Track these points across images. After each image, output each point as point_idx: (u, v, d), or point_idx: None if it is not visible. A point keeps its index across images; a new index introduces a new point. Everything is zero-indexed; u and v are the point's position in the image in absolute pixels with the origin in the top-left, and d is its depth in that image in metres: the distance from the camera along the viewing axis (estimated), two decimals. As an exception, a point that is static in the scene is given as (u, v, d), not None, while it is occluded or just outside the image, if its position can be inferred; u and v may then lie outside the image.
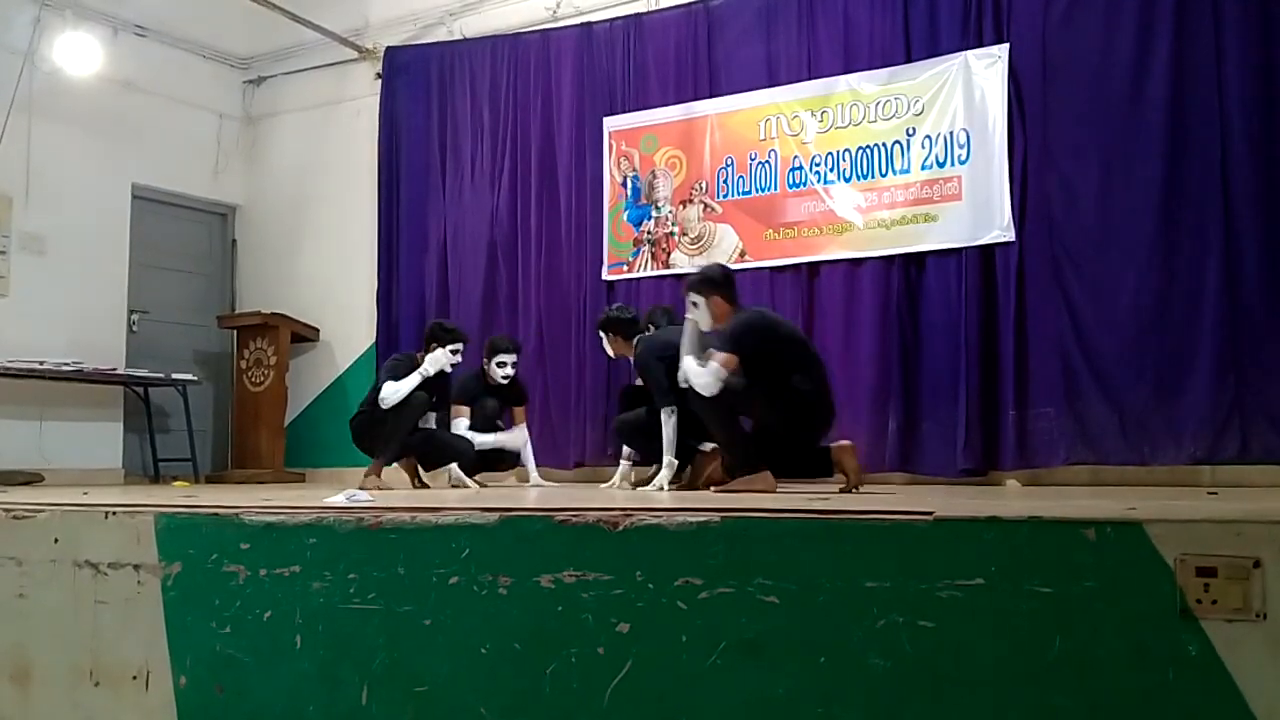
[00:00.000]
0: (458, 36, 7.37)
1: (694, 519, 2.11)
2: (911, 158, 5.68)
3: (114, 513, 2.88)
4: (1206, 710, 1.69)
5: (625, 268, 6.50)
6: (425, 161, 7.33)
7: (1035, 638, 1.80)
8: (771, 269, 6.02)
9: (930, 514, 1.94)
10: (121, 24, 7.39)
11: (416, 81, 7.39)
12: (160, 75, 7.62)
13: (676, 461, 4.64)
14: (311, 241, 7.97)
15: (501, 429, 5.83)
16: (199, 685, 2.63)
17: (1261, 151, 4.85)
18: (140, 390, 7.35)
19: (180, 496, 3.74)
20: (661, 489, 4.60)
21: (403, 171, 7.40)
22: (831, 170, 5.90)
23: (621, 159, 6.58)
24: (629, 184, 6.56)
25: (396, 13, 7.61)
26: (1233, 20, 4.94)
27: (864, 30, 5.89)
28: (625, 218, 6.56)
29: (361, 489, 3.87)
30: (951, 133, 5.57)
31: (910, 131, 5.69)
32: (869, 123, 5.82)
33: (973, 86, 5.50)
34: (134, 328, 7.52)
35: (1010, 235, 5.35)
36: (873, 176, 5.79)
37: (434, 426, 5.49)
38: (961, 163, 5.54)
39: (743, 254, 6.12)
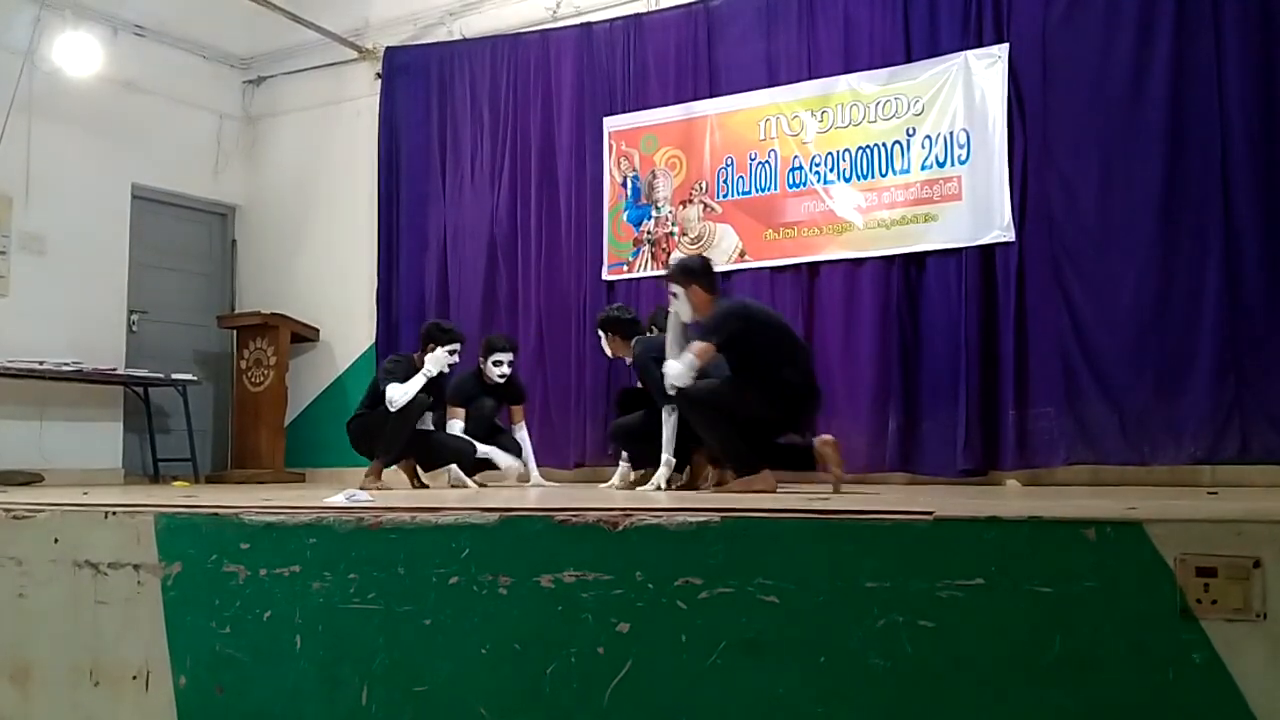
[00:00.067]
0: (457, 36, 7.37)
1: (694, 519, 2.11)
2: (911, 158, 5.68)
3: (114, 513, 2.88)
4: (1206, 710, 1.69)
5: (625, 268, 6.50)
6: (425, 162, 7.33)
7: (1035, 637, 1.80)
8: (771, 269, 6.02)
9: (930, 514, 1.94)
10: (121, 24, 7.40)
11: (416, 82, 7.39)
12: (160, 75, 7.62)
13: (675, 460, 4.64)
14: (311, 241, 7.98)
15: (500, 428, 5.83)
16: (199, 685, 2.63)
17: (1261, 151, 4.85)
18: (140, 390, 7.35)
19: (180, 496, 3.73)
20: (659, 488, 4.60)
21: (403, 172, 7.40)
22: (831, 170, 5.90)
23: (621, 159, 6.58)
24: (629, 184, 6.56)
25: (396, 13, 7.61)
26: (1233, 20, 4.94)
27: (864, 30, 5.89)
28: (625, 218, 6.56)
29: (361, 489, 3.87)
30: (951, 133, 5.57)
31: (910, 131, 5.69)
32: (869, 123, 5.82)
33: (973, 86, 5.50)
34: (134, 328, 7.52)
35: (1010, 235, 5.35)
36: (873, 176, 5.79)
37: (430, 427, 5.48)
38: (961, 163, 5.54)
39: (743, 254, 6.12)
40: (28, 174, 6.82)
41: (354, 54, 7.72)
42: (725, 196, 6.23)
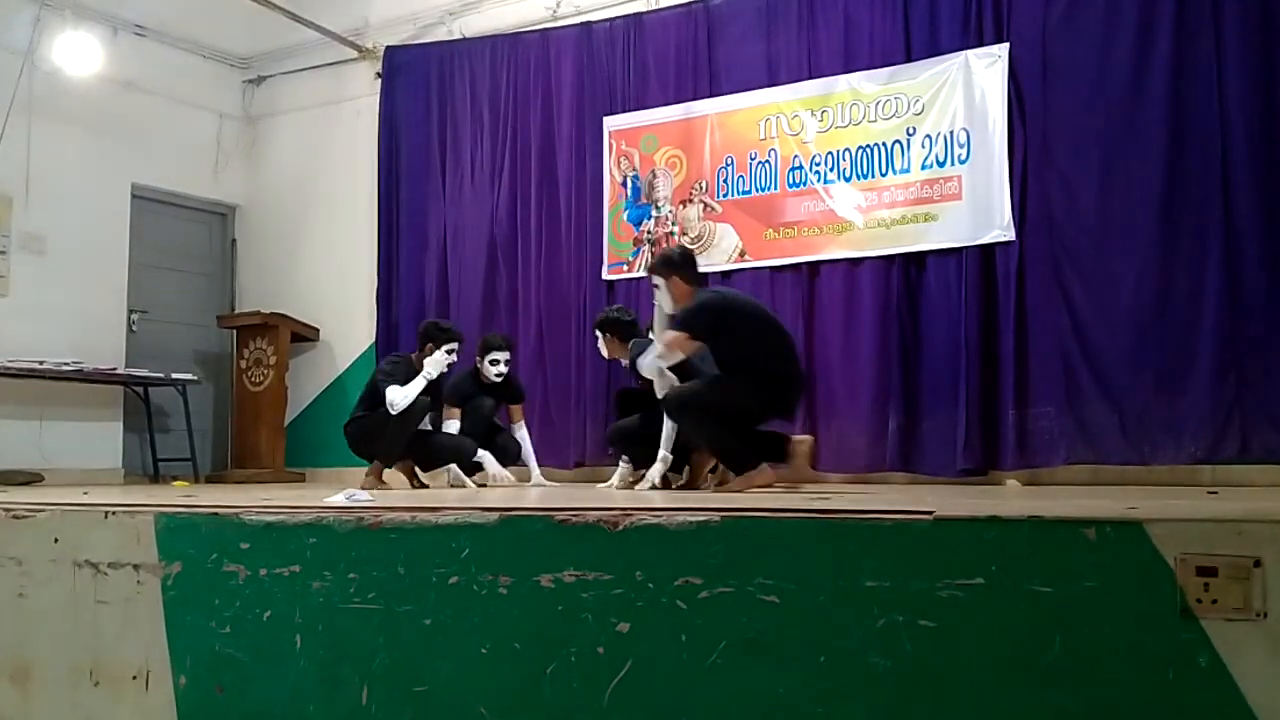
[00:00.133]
0: (457, 36, 7.37)
1: (694, 519, 2.11)
2: (911, 157, 5.68)
3: (114, 512, 2.88)
4: (1207, 710, 1.69)
5: (625, 267, 6.50)
6: (425, 161, 7.33)
7: (1035, 637, 1.80)
8: (771, 269, 6.02)
9: (930, 513, 1.94)
10: (121, 24, 7.39)
11: (416, 81, 7.39)
12: (160, 75, 7.62)
13: (671, 457, 4.64)
14: (311, 241, 7.98)
15: (499, 427, 5.83)
16: (199, 685, 2.63)
17: (1261, 151, 4.85)
18: (140, 390, 7.35)
19: (180, 496, 3.73)
20: (654, 485, 4.60)
21: (402, 171, 7.40)
22: (831, 170, 5.90)
23: (621, 158, 6.58)
24: (629, 184, 6.56)
25: (396, 12, 7.61)
26: (1233, 20, 4.94)
27: (864, 30, 5.89)
28: (625, 217, 6.56)
29: (361, 489, 3.87)
30: (951, 132, 5.57)
31: (910, 131, 5.69)
32: (869, 122, 5.82)
33: (973, 86, 5.50)
34: (134, 327, 7.52)
35: (1010, 235, 5.35)
36: (873, 176, 5.79)
37: (428, 427, 5.47)
38: (961, 162, 5.54)
39: (743, 254, 6.12)
40: (28, 174, 6.82)
41: (354, 53, 7.72)
42: (725, 196, 6.23)
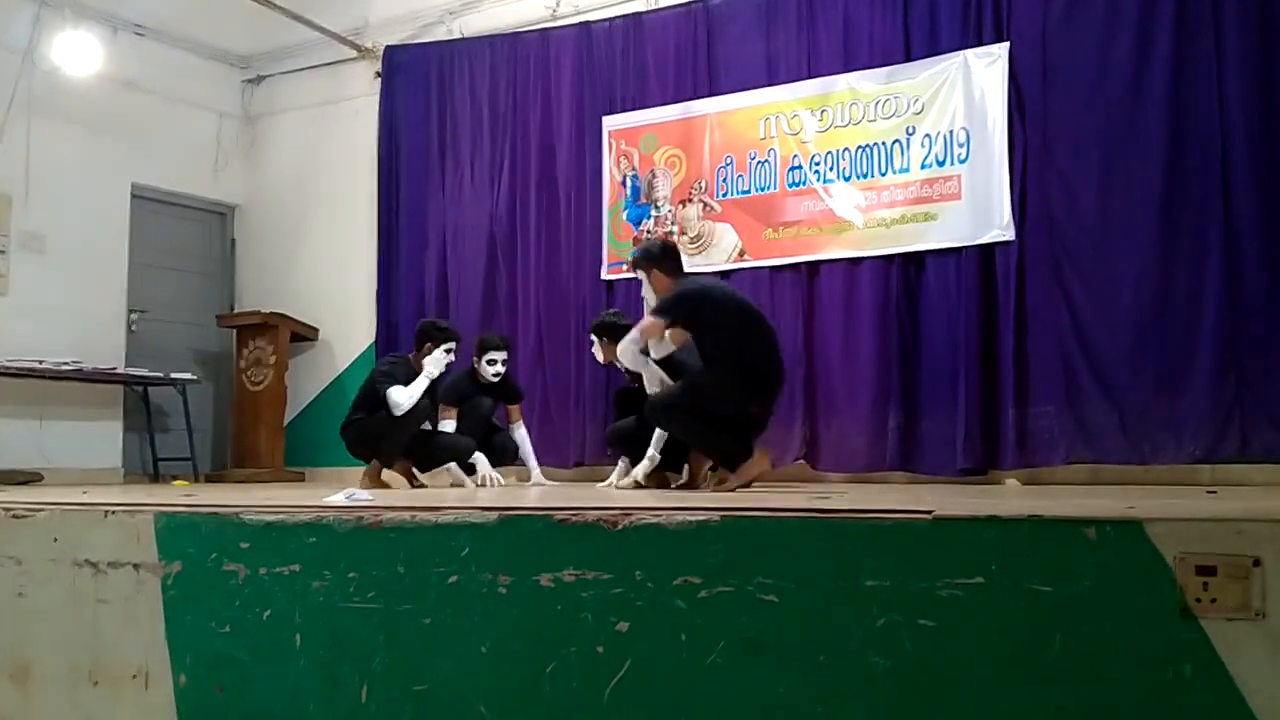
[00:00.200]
0: (457, 36, 7.36)
1: (693, 518, 2.11)
2: (911, 157, 5.68)
3: (113, 512, 2.88)
4: (1206, 709, 1.69)
5: (625, 267, 6.48)
6: (424, 161, 7.33)
7: (1035, 636, 1.80)
8: (771, 268, 6.02)
9: (930, 513, 1.94)
10: (121, 23, 7.39)
11: (416, 81, 7.39)
12: (159, 74, 7.62)
13: (659, 457, 4.65)
14: (311, 241, 7.97)
15: (497, 427, 5.82)
16: (199, 684, 2.63)
17: (1261, 151, 4.85)
18: (140, 389, 7.35)
19: (180, 496, 3.73)
20: (636, 483, 4.61)
21: (402, 171, 7.40)
22: (831, 169, 5.90)
23: (621, 158, 6.58)
24: (628, 183, 6.56)
25: (396, 12, 7.60)
26: (1233, 20, 4.94)
27: (864, 29, 5.89)
28: (625, 217, 6.56)
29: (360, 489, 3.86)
30: (951, 132, 5.57)
31: (910, 130, 5.69)
32: (869, 122, 5.81)
33: (972, 85, 5.50)
34: (133, 327, 7.52)
35: (1010, 234, 5.35)
36: (872, 175, 5.79)
37: (426, 426, 5.45)
38: (961, 162, 5.54)
39: (742, 253, 6.12)
40: (27, 173, 6.82)
41: (353, 53, 7.71)
42: (725, 195, 6.23)
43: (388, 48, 7.54)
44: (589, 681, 2.13)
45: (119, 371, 7.11)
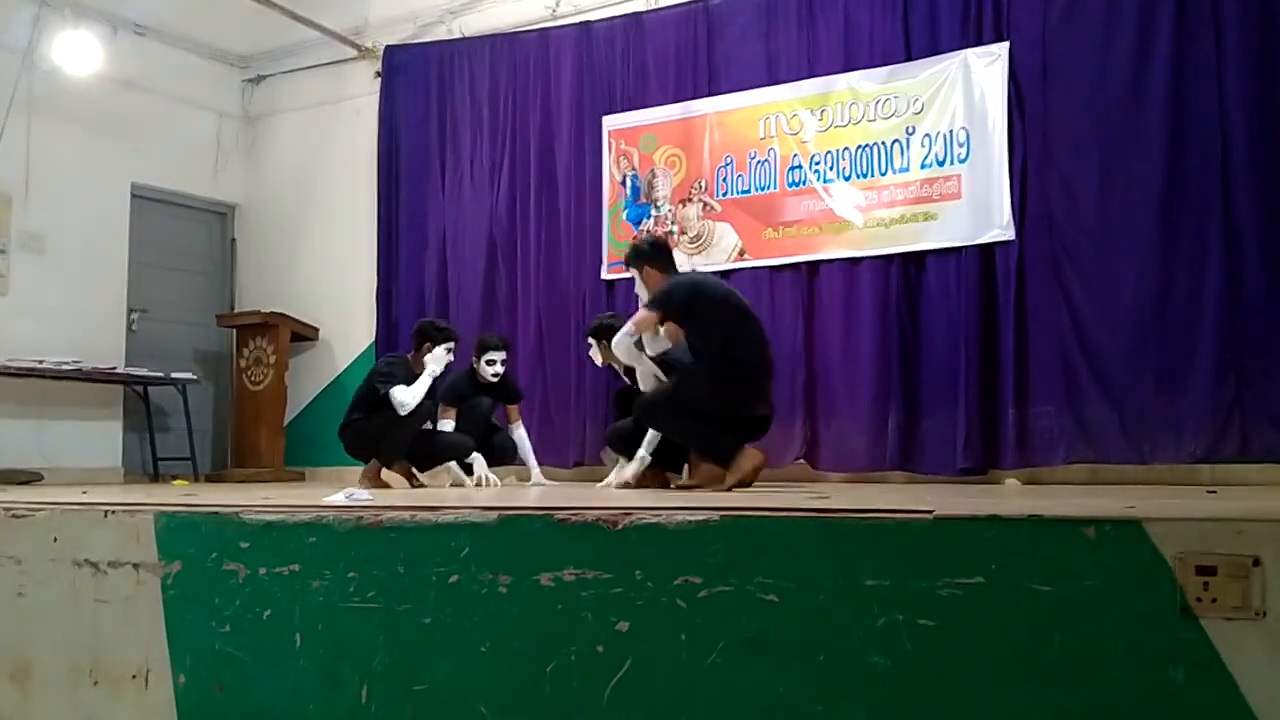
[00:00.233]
0: (457, 35, 7.36)
1: (693, 517, 2.11)
2: (911, 156, 5.68)
3: (113, 511, 2.87)
4: (1206, 708, 1.69)
5: (624, 267, 6.49)
6: (424, 160, 7.33)
7: (1035, 636, 1.80)
8: (771, 268, 6.02)
9: (930, 512, 1.94)
10: (121, 23, 7.39)
11: (416, 80, 7.39)
12: (159, 74, 7.62)
13: (649, 458, 4.65)
14: (311, 240, 7.98)
15: (497, 427, 5.82)
16: (199, 684, 2.63)
17: (1261, 151, 4.85)
18: (140, 389, 7.35)
19: (180, 495, 3.73)
20: (625, 483, 4.62)
21: (402, 170, 7.40)
22: (831, 169, 5.90)
23: (621, 158, 6.58)
24: (628, 183, 6.56)
25: (396, 12, 7.61)
26: (1233, 20, 4.94)
27: (864, 29, 5.89)
28: (625, 216, 6.56)
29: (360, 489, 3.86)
30: (951, 131, 5.57)
31: (910, 130, 5.69)
32: (868, 121, 5.81)
33: (972, 85, 5.50)
34: (133, 327, 7.52)
35: (1010, 234, 5.35)
36: (872, 175, 5.79)
37: (426, 426, 5.45)
38: (961, 161, 5.54)
39: (742, 253, 6.12)
40: (27, 173, 6.82)
41: (353, 53, 7.72)
42: (725, 195, 6.23)
43: (388, 47, 7.54)
44: (589, 681, 2.13)
45: (119, 371, 7.11)
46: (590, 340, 5.29)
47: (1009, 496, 3.77)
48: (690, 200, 6.34)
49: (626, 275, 6.40)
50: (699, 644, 2.05)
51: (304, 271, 7.94)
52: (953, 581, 1.86)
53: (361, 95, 7.73)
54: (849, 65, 5.91)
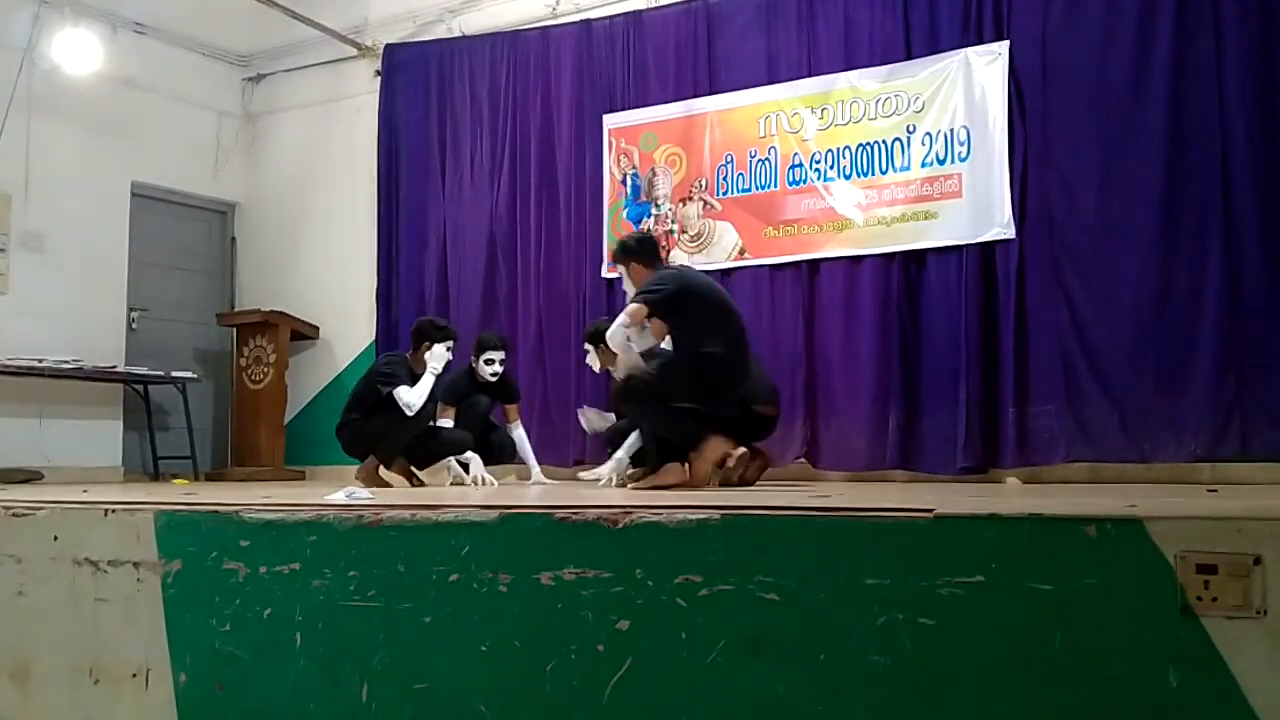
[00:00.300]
0: (457, 34, 7.36)
1: (694, 516, 2.11)
2: (912, 155, 5.68)
3: (114, 510, 2.87)
4: (1206, 707, 1.68)
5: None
6: (425, 159, 7.33)
7: (1035, 635, 1.80)
8: (771, 266, 6.02)
9: (930, 511, 1.93)
10: (120, 21, 7.39)
11: (416, 79, 7.39)
12: (159, 73, 7.62)
13: (627, 459, 4.70)
14: (311, 239, 7.98)
15: (495, 425, 5.82)
16: (199, 683, 2.63)
17: (1261, 151, 4.85)
18: (140, 388, 7.35)
19: (180, 494, 3.73)
20: (599, 480, 4.64)
21: (402, 169, 7.40)
22: (832, 167, 5.90)
23: (621, 156, 6.58)
24: (629, 181, 6.56)
25: (396, 10, 7.61)
26: (1233, 20, 4.94)
27: (864, 27, 5.89)
28: (625, 215, 6.56)
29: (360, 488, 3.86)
30: (952, 130, 5.57)
31: (910, 129, 5.69)
32: (869, 120, 5.81)
33: (973, 84, 5.50)
34: (134, 325, 7.52)
35: (1010, 233, 5.35)
36: (873, 174, 5.79)
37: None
38: (962, 160, 5.54)
39: (742, 251, 6.12)
40: (27, 172, 6.82)
41: (354, 51, 7.71)
42: (725, 194, 6.23)
43: (388, 46, 7.54)
44: (589, 680, 2.13)
45: (119, 370, 7.11)
46: (587, 346, 5.27)
47: (1009, 495, 3.77)
48: (691, 199, 6.34)
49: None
50: (699, 643, 2.04)
51: (304, 270, 7.94)
52: (953, 580, 1.86)
53: (361, 94, 7.73)
54: (849, 64, 5.91)
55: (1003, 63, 5.42)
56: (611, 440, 5.34)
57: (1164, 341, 5.00)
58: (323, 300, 7.82)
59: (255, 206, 8.31)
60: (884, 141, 5.76)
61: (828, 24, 6.01)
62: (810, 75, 6.01)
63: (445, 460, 5.46)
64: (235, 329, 7.88)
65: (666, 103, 6.45)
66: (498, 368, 5.64)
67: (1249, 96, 4.88)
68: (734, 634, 2.02)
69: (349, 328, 7.66)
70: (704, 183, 6.30)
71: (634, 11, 6.65)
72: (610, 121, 6.62)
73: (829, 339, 5.83)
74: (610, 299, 6.40)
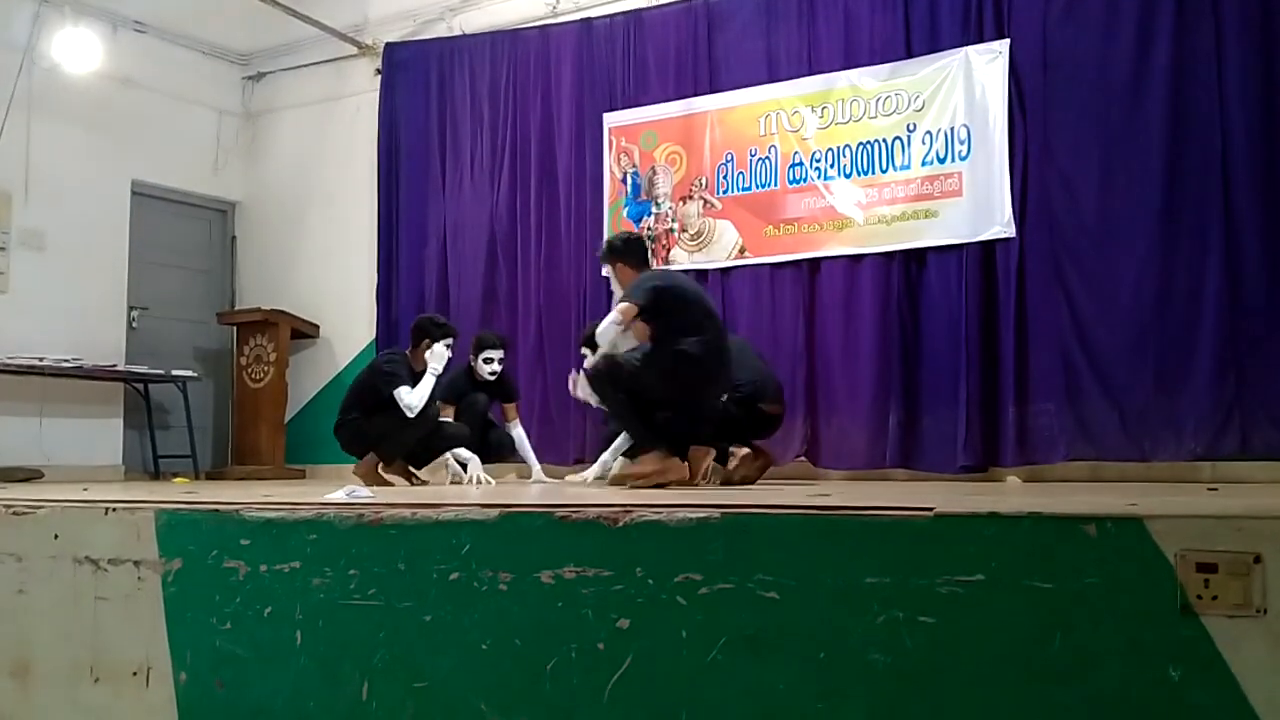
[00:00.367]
0: (457, 32, 7.36)
1: (694, 515, 2.11)
2: (912, 154, 5.68)
3: (114, 509, 2.87)
4: (1206, 706, 1.68)
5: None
6: (425, 158, 7.33)
7: (1035, 634, 1.80)
8: (772, 265, 6.02)
9: (931, 510, 1.93)
10: (121, 20, 7.39)
11: (416, 78, 7.39)
12: (160, 71, 7.62)
13: (612, 460, 4.74)
14: (311, 238, 7.97)
15: (494, 424, 5.82)
16: (199, 681, 2.63)
17: (1261, 151, 4.86)
18: (140, 387, 7.35)
19: (180, 493, 3.73)
20: (585, 480, 4.62)
21: (402, 168, 7.40)
22: (832, 166, 5.90)
23: (621, 155, 6.58)
24: (629, 180, 6.56)
25: (396, 9, 7.61)
26: (1233, 20, 4.94)
27: (864, 26, 5.89)
28: (625, 214, 6.56)
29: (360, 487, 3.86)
30: (952, 128, 5.57)
31: (911, 127, 5.69)
32: (869, 118, 5.81)
33: (973, 82, 5.50)
34: (134, 324, 7.52)
35: (1011, 231, 5.35)
36: (873, 172, 5.79)
37: None
38: (962, 159, 5.54)
39: (743, 250, 6.12)
40: (27, 170, 6.82)
41: (354, 50, 7.71)
42: (725, 193, 6.23)
43: (388, 45, 7.54)
44: (589, 678, 2.13)
45: (119, 369, 7.12)
46: (584, 351, 5.26)
47: (1009, 494, 3.77)
48: (691, 197, 6.34)
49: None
50: (699, 641, 2.05)
51: (304, 269, 7.94)
52: (953, 579, 1.86)
53: (362, 92, 7.73)
54: (850, 62, 5.91)
55: (1003, 61, 5.42)
56: (609, 440, 5.34)
57: (1164, 340, 5.00)
58: (323, 299, 7.82)
59: (255, 205, 8.31)
60: (884, 140, 5.76)
61: (828, 22, 6.01)
62: (810, 74, 6.01)
63: (443, 458, 5.46)
64: (235, 328, 7.88)
65: (667, 101, 6.45)
66: (496, 366, 5.64)
67: (1249, 96, 4.88)
68: (734, 632, 2.02)
69: (349, 326, 7.66)
70: (704, 181, 6.30)
71: (634, 10, 6.65)
72: (610, 120, 6.62)
73: (829, 338, 5.83)
74: (610, 298, 6.38)
